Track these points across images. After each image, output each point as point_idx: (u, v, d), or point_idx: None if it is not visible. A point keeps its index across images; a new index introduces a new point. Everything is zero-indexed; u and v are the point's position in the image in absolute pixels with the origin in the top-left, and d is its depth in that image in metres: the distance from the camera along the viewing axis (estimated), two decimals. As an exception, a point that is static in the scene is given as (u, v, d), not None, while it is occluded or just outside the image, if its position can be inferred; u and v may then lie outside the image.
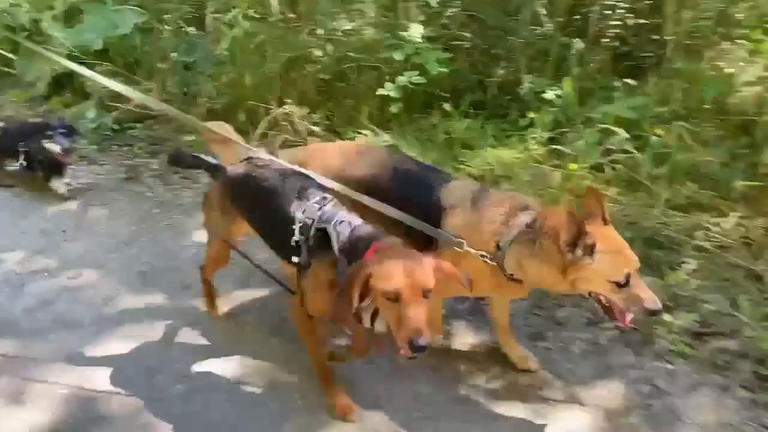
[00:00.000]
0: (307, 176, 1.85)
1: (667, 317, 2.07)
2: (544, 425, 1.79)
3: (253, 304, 2.35)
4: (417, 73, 2.90)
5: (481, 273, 1.76)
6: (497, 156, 2.83)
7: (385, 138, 2.85)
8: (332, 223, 1.63)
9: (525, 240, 1.74)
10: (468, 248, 1.75)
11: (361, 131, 2.91)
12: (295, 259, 1.69)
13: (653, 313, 1.68)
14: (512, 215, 1.77)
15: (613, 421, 1.82)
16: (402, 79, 2.87)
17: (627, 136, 2.61)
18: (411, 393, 1.91)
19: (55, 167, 3.08)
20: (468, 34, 3.45)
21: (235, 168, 1.97)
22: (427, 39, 3.20)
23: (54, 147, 3.01)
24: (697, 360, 2.00)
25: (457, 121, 3.07)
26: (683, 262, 2.28)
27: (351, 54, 3.10)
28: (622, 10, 3.14)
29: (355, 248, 1.56)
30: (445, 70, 3.07)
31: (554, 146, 2.77)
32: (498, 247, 1.75)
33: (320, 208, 1.69)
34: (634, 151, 2.61)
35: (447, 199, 1.85)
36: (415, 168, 1.99)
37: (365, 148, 2.23)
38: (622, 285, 1.64)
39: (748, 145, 2.58)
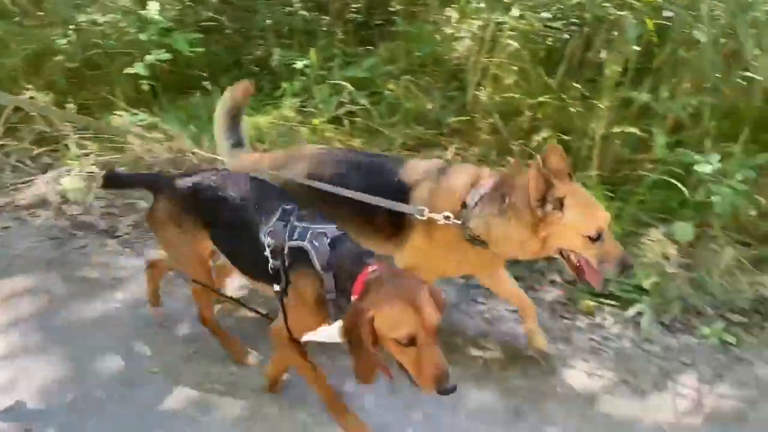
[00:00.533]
0: (262, 186, 1.70)
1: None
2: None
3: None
4: (164, 50, 3.03)
5: (449, 246, 1.75)
6: (254, 123, 3.06)
7: (142, 117, 2.96)
8: (306, 238, 1.48)
9: (493, 198, 1.70)
10: (430, 214, 1.69)
11: (117, 113, 2.98)
12: (276, 287, 1.54)
13: (628, 267, 1.67)
14: (477, 179, 1.75)
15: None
16: (149, 58, 2.99)
17: (359, 92, 2.99)
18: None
19: None
20: (222, 18, 3.67)
21: (183, 179, 1.77)
22: (179, 22, 3.36)
23: None
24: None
25: (217, 98, 3.26)
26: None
27: (98, 41, 3.15)
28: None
29: (343, 265, 1.43)
30: (199, 50, 3.24)
31: (302, 108, 3.07)
32: (464, 206, 1.71)
33: (286, 225, 1.53)
34: (368, 105, 2.98)
35: (410, 176, 1.81)
36: (364, 158, 1.94)
37: (301, 152, 2.00)
38: (595, 239, 1.62)
39: (458, 88, 3.08)
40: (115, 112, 2.99)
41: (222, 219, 1.66)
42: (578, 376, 1.97)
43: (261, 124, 3.06)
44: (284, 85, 3.24)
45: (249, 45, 3.63)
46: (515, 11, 2.89)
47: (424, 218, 1.69)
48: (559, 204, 1.62)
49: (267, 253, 1.51)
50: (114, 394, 1.83)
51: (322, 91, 2.99)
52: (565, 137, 2.67)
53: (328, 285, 1.43)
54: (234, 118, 2.05)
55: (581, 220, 1.62)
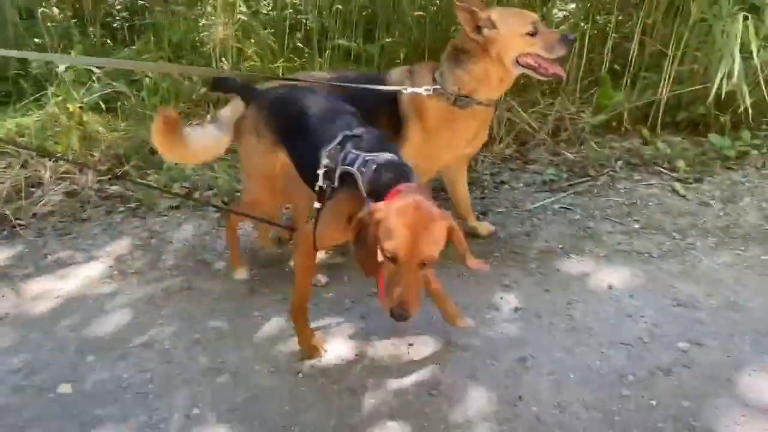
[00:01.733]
0: (336, 106, 1.77)
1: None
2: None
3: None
4: None
5: (438, 113, 1.98)
6: (19, 123, 3.20)
7: None
8: (356, 164, 1.52)
9: (449, 60, 1.98)
10: (411, 89, 1.93)
11: None
12: (320, 183, 1.60)
13: (572, 41, 1.92)
14: (436, 65, 2.03)
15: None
16: None
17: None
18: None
19: None
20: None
21: (270, 90, 1.92)
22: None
23: None
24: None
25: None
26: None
27: None
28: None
29: (378, 188, 1.46)
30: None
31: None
32: (434, 80, 1.97)
33: (342, 150, 1.58)
34: (127, 90, 3.26)
35: (393, 79, 2.06)
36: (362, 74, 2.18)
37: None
38: (533, 34, 1.89)
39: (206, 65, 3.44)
40: None
41: (294, 132, 1.75)
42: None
43: (27, 123, 3.21)
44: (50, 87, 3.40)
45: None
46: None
47: (408, 92, 1.95)
48: (491, 23, 1.90)
49: (320, 171, 1.59)
50: None
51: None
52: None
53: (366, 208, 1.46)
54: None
55: (514, 23, 1.89)
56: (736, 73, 2.34)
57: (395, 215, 1.33)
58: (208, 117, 2.48)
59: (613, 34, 3.07)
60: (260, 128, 1.84)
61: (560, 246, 2.24)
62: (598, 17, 3.24)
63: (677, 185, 2.56)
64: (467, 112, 2.00)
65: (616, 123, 2.98)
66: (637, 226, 2.34)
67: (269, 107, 1.84)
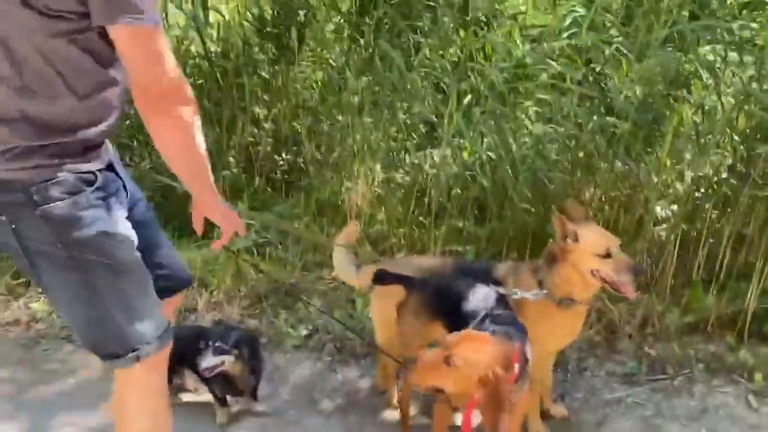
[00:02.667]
0: (477, 289, 2.19)
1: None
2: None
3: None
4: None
5: (539, 312, 2.29)
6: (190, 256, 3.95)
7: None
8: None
9: (546, 261, 2.31)
10: (522, 293, 2.26)
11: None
12: None
13: (637, 271, 2.23)
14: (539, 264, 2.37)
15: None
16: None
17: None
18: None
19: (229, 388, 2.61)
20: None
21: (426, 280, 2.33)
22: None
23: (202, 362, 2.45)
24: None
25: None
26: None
27: None
28: None
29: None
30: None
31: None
32: (540, 284, 2.31)
33: (482, 324, 1.96)
34: (271, 238, 3.95)
35: (500, 273, 2.44)
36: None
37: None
38: (605, 256, 2.19)
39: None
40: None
41: (450, 311, 2.15)
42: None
43: (194, 257, 3.96)
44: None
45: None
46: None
47: (518, 297, 2.27)
48: (574, 236, 2.24)
49: None
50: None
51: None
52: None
53: None
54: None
55: (592, 243, 2.21)
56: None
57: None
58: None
59: (710, 239, 3.34)
60: (419, 310, 2.25)
61: (626, 440, 2.46)
62: (697, 222, 3.52)
63: (752, 397, 2.69)
64: (565, 310, 2.32)
65: (703, 325, 3.17)
66: (704, 430, 2.49)
67: (429, 294, 2.26)
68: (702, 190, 3.65)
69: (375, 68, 3.90)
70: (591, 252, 2.22)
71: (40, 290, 3.68)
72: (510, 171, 3.34)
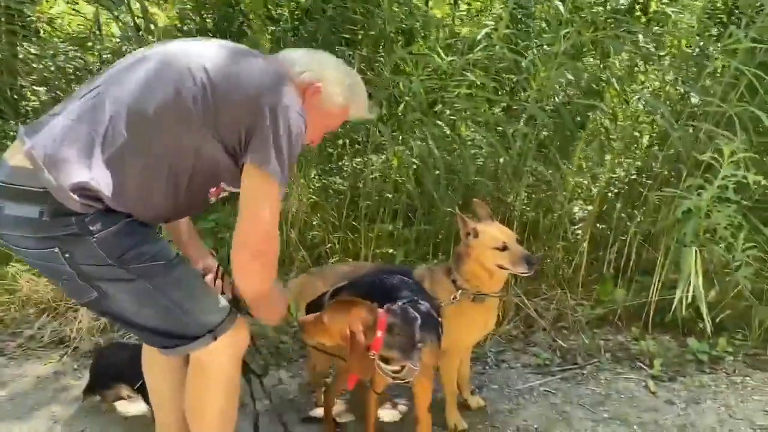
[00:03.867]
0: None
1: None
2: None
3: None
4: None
5: (455, 308, 2.44)
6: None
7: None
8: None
9: (456, 261, 2.48)
10: (445, 304, 2.41)
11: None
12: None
13: (530, 260, 2.36)
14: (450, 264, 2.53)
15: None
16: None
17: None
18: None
19: None
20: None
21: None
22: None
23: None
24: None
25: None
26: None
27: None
28: None
29: None
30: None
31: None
32: (454, 283, 2.47)
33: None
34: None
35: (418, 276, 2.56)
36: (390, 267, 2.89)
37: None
38: (502, 249, 2.36)
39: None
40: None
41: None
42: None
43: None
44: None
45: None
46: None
47: (444, 305, 2.40)
48: (476, 233, 2.41)
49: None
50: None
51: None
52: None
53: None
54: None
55: (489, 239, 2.39)
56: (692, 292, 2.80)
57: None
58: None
59: (621, 237, 3.60)
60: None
61: (535, 426, 2.65)
62: (609, 221, 3.77)
63: (651, 382, 2.94)
64: (479, 304, 2.49)
65: (612, 317, 3.42)
66: (606, 415, 2.72)
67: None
68: (614, 191, 3.94)
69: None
70: (489, 246, 2.39)
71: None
72: (434, 176, 3.52)
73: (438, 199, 3.49)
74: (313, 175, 4.16)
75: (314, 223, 4.14)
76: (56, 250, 1.64)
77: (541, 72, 3.44)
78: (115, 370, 2.68)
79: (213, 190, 1.85)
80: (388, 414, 2.71)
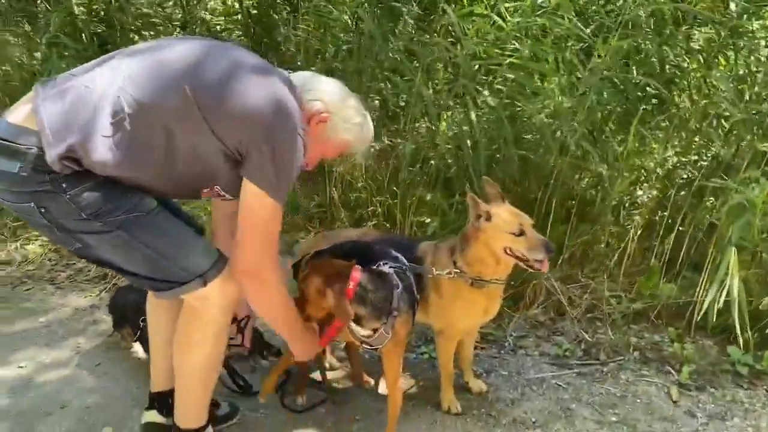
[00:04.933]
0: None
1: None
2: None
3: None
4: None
5: (453, 290, 2.36)
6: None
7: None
8: None
9: (462, 242, 2.34)
10: (436, 272, 2.34)
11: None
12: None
13: (549, 249, 2.20)
14: (456, 244, 2.39)
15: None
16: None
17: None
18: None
19: None
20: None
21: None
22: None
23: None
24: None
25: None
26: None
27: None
28: None
29: None
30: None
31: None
32: (454, 264, 2.34)
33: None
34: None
35: (421, 251, 2.50)
36: (398, 239, 2.80)
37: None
38: (518, 234, 2.22)
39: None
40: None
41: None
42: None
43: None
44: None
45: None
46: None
47: (433, 276, 2.36)
48: (488, 215, 2.26)
49: None
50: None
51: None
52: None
53: None
54: None
55: (504, 222, 2.23)
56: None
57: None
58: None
59: (680, 227, 3.27)
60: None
61: (533, 419, 2.50)
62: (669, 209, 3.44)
63: (674, 389, 2.68)
64: (479, 289, 2.36)
65: (651, 314, 3.14)
66: (613, 419, 2.51)
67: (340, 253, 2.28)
68: (684, 177, 3.57)
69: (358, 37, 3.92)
70: (504, 230, 2.24)
71: (36, 232, 3.96)
72: (472, 146, 3.35)
73: (472, 170, 3.31)
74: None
75: (359, 184, 4.08)
76: (32, 205, 1.72)
77: (611, 41, 3.12)
78: (123, 312, 2.80)
79: (206, 190, 1.90)
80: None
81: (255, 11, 5.26)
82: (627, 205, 3.69)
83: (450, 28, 3.53)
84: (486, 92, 3.39)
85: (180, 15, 5.34)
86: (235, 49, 1.89)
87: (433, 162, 3.68)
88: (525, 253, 2.24)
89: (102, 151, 1.66)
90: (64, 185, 1.68)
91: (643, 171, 3.68)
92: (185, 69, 1.74)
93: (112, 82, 1.71)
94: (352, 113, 1.98)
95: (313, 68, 3.71)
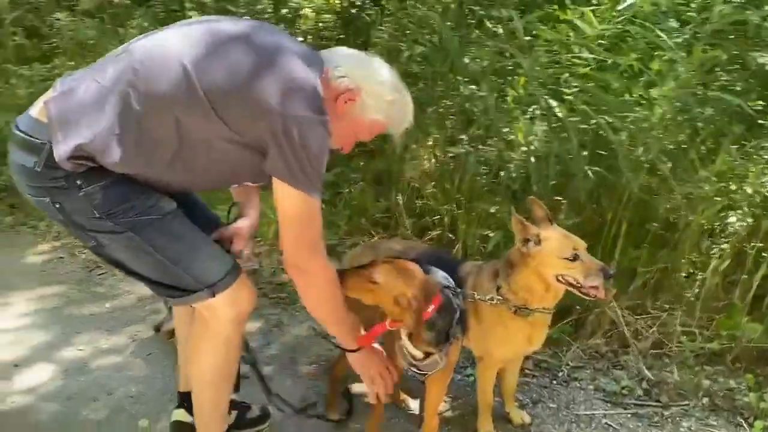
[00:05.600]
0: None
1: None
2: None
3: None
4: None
5: (494, 316, 2.21)
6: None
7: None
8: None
9: (506, 266, 2.19)
10: (478, 297, 2.20)
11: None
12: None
13: (607, 274, 2.04)
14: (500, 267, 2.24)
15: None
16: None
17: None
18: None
19: None
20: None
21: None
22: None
23: None
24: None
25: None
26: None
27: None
28: None
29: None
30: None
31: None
32: (497, 290, 2.19)
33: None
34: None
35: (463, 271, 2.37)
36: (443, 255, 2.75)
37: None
38: (572, 260, 2.04)
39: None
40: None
41: None
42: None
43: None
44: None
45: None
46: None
47: (474, 300, 2.22)
48: (538, 239, 2.10)
49: None
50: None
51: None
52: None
53: None
54: None
55: (557, 247, 2.07)
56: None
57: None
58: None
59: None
60: None
61: (575, 462, 2.32)
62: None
63: (743, 445, 2.39)
64: (523, 318, 2.19)
65: (731, 357, 2.83)
66: (662, 469, 2.28)
67: None
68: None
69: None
70: (557, 255, 2.07)
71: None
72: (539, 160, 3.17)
73: (533, 183, 3.12)
74: (431, 142, 3.99)
75: (427, 191, 3.98)
76: (48, 200, 1.73)
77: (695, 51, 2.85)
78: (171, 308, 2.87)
79: (235, 186, 1.93)
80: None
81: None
82: (717, 231, 3.37)
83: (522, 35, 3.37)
84: (554, 102, 3.19)
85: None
86: (256, 31, 1.79)
87: (503, 173, 3.53)
88: (580, 280, 2.06)
89: (112, 148, 1.63)
90: (78, 182, 1.68)
91: (736, 196, 3.34)
92: (193, 59, 1.66)
93: (120, 76, 1.66)
94: (383, 90, 1.83)
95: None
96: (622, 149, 2.98)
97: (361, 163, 4.35)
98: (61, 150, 1.63)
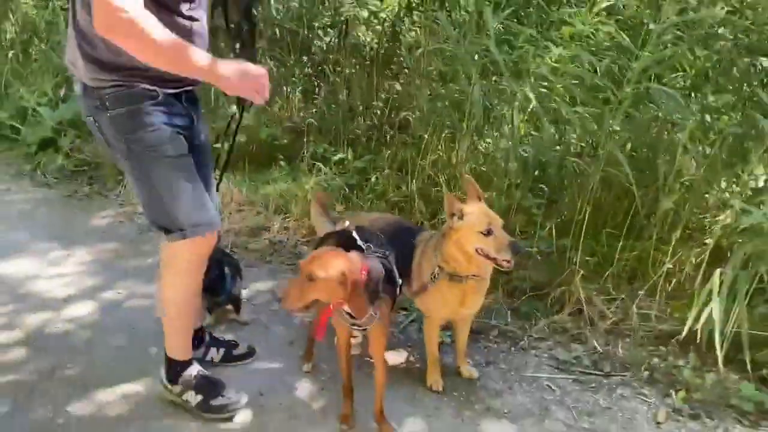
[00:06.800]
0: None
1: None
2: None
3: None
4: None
5: (436, 290, 2.52)
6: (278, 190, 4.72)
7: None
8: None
9: (441, 237, 2.47)
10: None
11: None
12: None
13: (516, 249, 2.29)
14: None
15: None
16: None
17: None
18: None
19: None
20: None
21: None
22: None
23: None
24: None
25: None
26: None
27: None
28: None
29: None
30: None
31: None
32: (436, 257, 2.47)
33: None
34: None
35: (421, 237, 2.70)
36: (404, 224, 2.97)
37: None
38: (487, 234, 2.29)
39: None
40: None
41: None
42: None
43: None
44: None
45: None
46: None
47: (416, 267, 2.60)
48: (461, 214, 2.35)
49: None
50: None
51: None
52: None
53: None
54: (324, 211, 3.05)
55: (475, 221, 2.31)
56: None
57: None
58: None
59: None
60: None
61: (506, 411, 2.63)
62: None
63: (662, 411, 2.60)
64: (456, 284, 2.49)
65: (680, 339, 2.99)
66: (585, 425, 2.53)
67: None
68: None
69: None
70: (473, 230, 2.33)
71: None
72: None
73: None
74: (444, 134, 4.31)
75: (442, 179, 4.31)
76: (91, 118, 2.11)
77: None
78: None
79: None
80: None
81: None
82: (701, 227, 3.51)
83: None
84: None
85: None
86: None
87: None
88: (492, 253, 2.31)
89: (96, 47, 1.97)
90: (107, 104, 2.02)
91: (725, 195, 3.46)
92: None
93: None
94: None
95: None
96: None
97: (388, 152, 4.76)
98: (81, 73, 2.04)
